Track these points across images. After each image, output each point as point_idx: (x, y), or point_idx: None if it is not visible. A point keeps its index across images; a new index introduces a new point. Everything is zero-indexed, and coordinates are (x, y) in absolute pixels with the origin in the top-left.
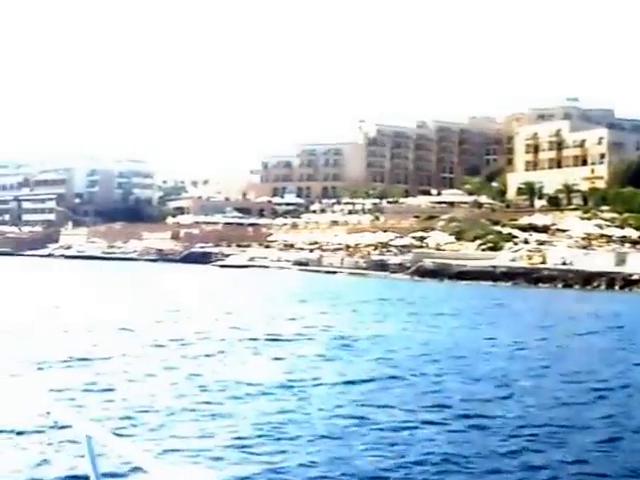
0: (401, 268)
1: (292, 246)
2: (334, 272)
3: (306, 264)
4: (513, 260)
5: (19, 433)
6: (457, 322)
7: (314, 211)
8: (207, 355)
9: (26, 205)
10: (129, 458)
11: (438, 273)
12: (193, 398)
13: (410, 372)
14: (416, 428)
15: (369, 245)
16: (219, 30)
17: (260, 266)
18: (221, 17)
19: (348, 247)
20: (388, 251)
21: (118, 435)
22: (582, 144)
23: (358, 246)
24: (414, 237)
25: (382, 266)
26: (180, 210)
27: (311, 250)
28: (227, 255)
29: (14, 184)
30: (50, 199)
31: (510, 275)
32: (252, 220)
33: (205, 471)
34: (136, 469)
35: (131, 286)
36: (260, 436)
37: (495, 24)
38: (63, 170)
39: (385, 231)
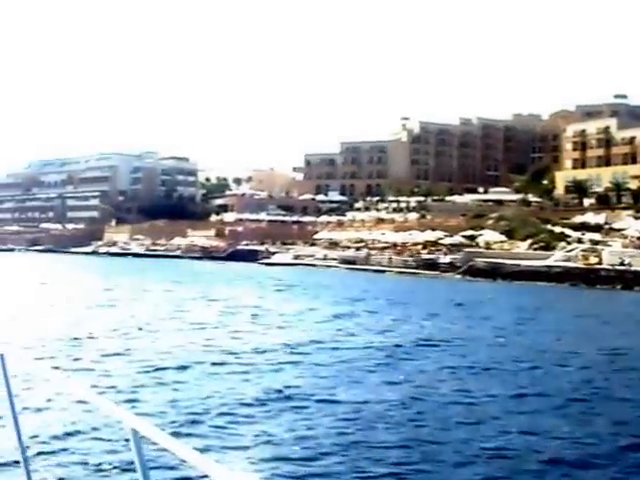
0: (452, 267)
1: (337, 244)
2: (383, 271)
3: (353, 262)
4: (567, 260)
5: None
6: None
7: (358, 209)
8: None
9: (70, 202)
10: (174, 452)
11: (490, 273)
12: None
13: None
14: None
15: (417, 244)
16: (262, 27)
17: (307, 264)
18: (264, 15)
19: (395, 245)
20: (437, 250)
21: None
22: (631, 141)
23: (406, 245)
24: (463, 236)
25: (432, 265)
26: (223, 208)
27: (358, 248)
28: (273, 253)
29: (58, 182)
30: (94, 196)
31: (566, 275)
32: (296, 218)
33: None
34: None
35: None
36: None
37: (540, 19)
38: (107, 168)
39: (433, 229)
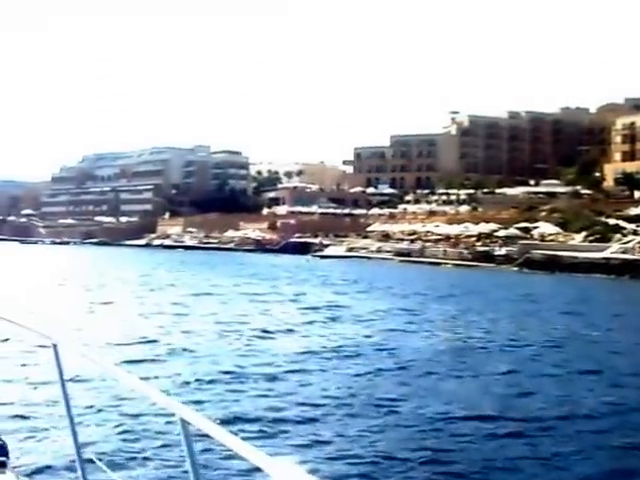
0: (507, 260)
1: (389, 236)
2: (438, 263)
3: (408, 255)
4: (624, 252)
5: None
6: None
7: (408, 201)
8: None
9: (123, 196)
10: (222, 442)
11: (548, 265)
12: None
13: None
14: None
15: (471, 236)
16: (311, 21)
17: (360, 257)
18: (313, 9)
19: (449, 238)
20: (492, 242)
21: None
22: None
23: (460, 237)
24: (518, 228)
25: (488, 257)
26: (275, 201)
27: (412, 241)
28: (326, 245)
29: (112, 175)
30: (147, 190)
31: (625, 268)
32: (347, 210)
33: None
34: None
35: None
36: None
37: (586, 11)
38: (160, 162)
39: (487, 222)
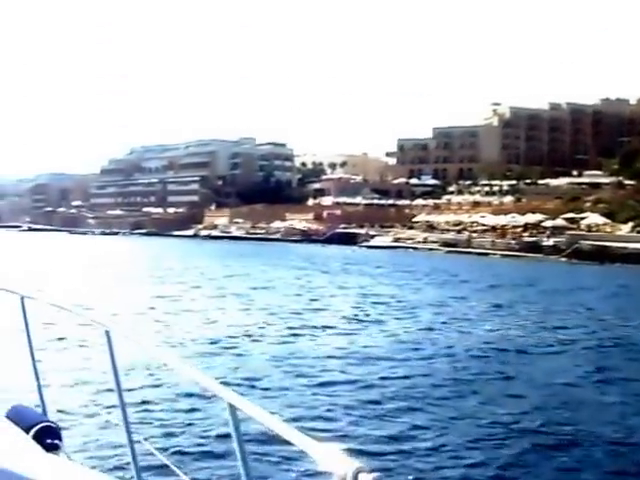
0: (555, 250)
1: (434, 227)
2: (485, 254)
3: (454, 245)
4: None
5: None
6: None
7: (451, 192)
8: None
9: (170, 187)
10: (270, 427)
11: (596, 256)
12: None
13: None
14: None
15: (518, 226)
16: (355, 13)
17: (407, 247)
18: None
19: (495, 228)
20: (539, 232)
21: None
22: None
23: (506, 227)
24: (565, 218)
25: (535, 248)
26: (320, 192)
27: (458, 231)
28: (372, 236)
29: (159, 167)
30: (194, 181)
31: None
32: (391, 201)
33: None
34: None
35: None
36: None
37: (625, 3)
38: (206, 154)
39: (532, 212)
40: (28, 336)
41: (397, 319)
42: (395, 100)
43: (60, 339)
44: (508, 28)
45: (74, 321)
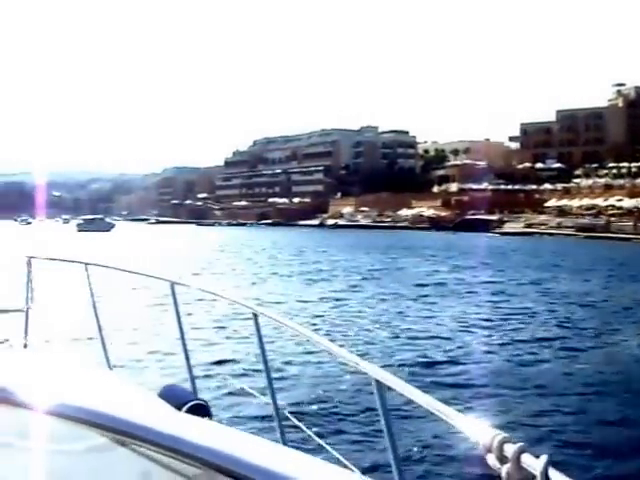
0: None
1: (566, 212)
2: (628, 239)
3: (592, 230)
4: None
5: None
6: None
7: (578, 176)
8: None
9: (295, 177)
10: (417, 401)
11: None
12: None
13: None
14: None
15: None
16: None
17: (541, 233)
18: None
19: (631, 212)
20: None
21: None
22: None
23: None
24: None
25: None
26: (444, 178)
27: (595, 215)
28: (503, 222)
29: (283, 158)
30: (318, 171)
31: None
32: (518, 187)
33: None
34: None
35: None
36: None
37: None
38: (329, 143)
39: None
40: (179, 320)
41: None
42: (516, 84)
43: (209, 322)
44: (630, 7)
45: (222, 305)
